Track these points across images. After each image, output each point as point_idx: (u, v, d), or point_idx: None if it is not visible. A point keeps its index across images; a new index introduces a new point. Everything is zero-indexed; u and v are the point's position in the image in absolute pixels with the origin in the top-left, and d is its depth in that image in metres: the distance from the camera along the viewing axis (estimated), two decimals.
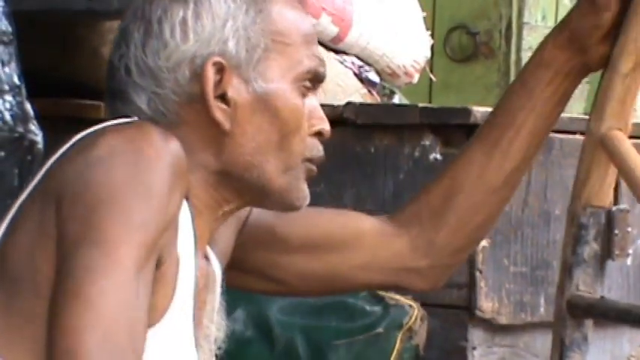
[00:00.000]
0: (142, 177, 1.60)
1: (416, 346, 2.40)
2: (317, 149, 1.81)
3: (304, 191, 1.81)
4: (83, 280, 1.54)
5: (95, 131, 1.69)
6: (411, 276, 2.01)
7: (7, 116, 2.22)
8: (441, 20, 4.21)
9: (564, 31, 1.92)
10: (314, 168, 1.82)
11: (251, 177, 1.77)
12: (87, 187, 1.59)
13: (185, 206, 1.70)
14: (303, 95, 1.79)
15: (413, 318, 2.39)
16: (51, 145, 2.18)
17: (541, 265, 2.66)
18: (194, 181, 1.75)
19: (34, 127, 2.26)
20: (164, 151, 1.63)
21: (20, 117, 2.24)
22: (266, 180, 1.78)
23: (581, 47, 1.92)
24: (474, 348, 2.59)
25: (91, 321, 1.54)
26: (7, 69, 2.23)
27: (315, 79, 1.81)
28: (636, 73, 1.96)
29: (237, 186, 1.80)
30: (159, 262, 1.62)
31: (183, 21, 1.74)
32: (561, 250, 2.15)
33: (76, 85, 2.64)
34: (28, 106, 2.26)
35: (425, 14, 3.38)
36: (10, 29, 2.23)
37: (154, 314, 1.66)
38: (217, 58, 1.73)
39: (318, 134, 1.81)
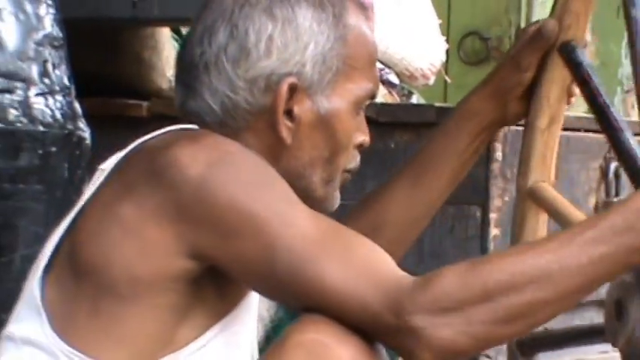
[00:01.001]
0: (252, 168, 1.60)
1: None
2: (356, 161, 1.78)
3: (337, 198, 1.78)
4: (304, 250, 1.55)
5: (165, 144, 1.64)
6: None
7: (58, 115, 2.21)
8: (456, 27, 4.19)
9: (489, 86, 1.92)
10: (349, 177, 1.80)
11: (299, 185, 1.72)
12: (222, 209, 1.58)
13: None
14: (358, 113, 1.76)
15: None
16: (98, 141, 2.24)
17: None
18: None
19: (82, 124, 2.25)
20: (237, 146, 1.62)
21: (70, 115, 2.23)
22: (311, 190, 1.74)
23: (502, 102, 1.91)
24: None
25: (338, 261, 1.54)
26: (57, 71, 2.22)
27: (371, 98, 1.79)
28: (552, 128, 1.92)
29: None
30: None
31: (270, 37, 1.70)
32: None
33: (120, 86, 2.65)
34: (76, 106, 2.25)
35: (440, 21, 3.37)
36: (60, 35, 2.23)
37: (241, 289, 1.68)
38: (293, 79, 1.69)
39: (359, 146, 1.78)
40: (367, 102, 1.80)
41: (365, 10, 1.80)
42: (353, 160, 1.78)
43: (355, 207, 1.98)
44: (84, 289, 1.62)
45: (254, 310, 1.79)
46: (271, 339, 1.89)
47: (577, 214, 1.83)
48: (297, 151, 1.73)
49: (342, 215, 2.14)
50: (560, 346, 2.17)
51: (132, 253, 1.60)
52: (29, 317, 1.65)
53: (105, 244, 1.61)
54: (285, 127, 1.70)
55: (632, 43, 1.69)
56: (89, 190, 1.70)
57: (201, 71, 1.74)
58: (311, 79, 1.71)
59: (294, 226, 1.58)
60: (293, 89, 1.69)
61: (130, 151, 1.68)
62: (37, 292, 1.65)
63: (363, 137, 1.78)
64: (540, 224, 1.99)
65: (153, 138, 1.69)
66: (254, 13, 1.71)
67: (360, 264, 1.56)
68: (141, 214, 1.60)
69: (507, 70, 1.90)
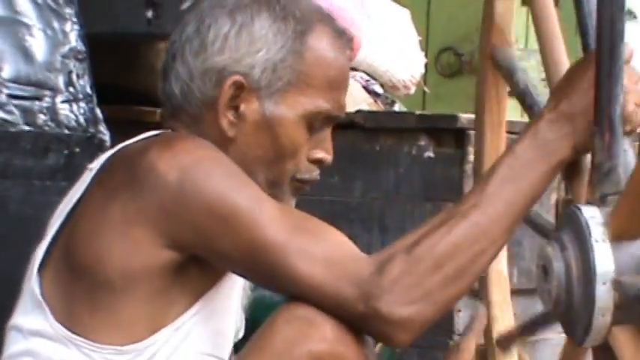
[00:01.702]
0: (222, 171, 1.57)
1: None
2: (311, 173, 1.72)
3: (289, 202, 1.73)
4: (272, 240, 1.53)
5: (144, 149, 1.62)
6: None
7: (82, 120, 2.21)
8: (433, 43, 4.20)
9: None
10: (304, 187, 1.74)
11: None
12: (199, 213, 1.55)
13: None
14: (312, 128, 1.70)
15: None
16: (116, 143, 2.20)
17: (514, 244, 2.59)
18: None
19: (102, 128, 2.25)
20: (205, 150, 1.60)
21: (92, 120, 2.23)
22: None
23: None
24: (459, 310, 2.58)
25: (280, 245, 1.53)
26: (81, 81, 2.22)
27: (327, 120, 1.72)
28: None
29: None
30: None
31: (225, 36, 1.67)
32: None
33: (136, 94, 2.64)
34: (97, 112, 2.25)
35: (420, 38, 3.36)
36: (84, 49, 2.23)
37: (215, 273, 1.65)
38: (239, 78, 1.65)
39: (318, 161, 1.72)
40: (327, 121, 1.72)
41: (340, 38, 1.72)
42: (306, 172, 1.72)
43: None
44: (80, 284, 1.60)
45: (238, 282, 1.75)
46: (252, 306, 1.88)
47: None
48: (243, 147, 1.68)
49: (333, 212, 2.15)
50: (533, 333, 2.16)
51: (122, 252, 1.58)
52: (33, 311, 1.64)
53: (97, 244, 1.59)
54: (226, 119, 1.66)
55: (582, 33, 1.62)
56: (78, 190, 1.68)
57: (170, 59, 1.72)
58: (258, 82, 1.66)
59: (266, 224, 1.55)
60: (239, 87, 1.65)
61: (113, 154, 1.67)
62: (37, 288, 1.63)
63: (323, 154, 1.71)
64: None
65: (130, 144, 1.66)
66: (219, 13, 1.68)
67: (327, 255, 1.54)
68: (126, 217, 1.58)
69: None
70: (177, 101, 1.69)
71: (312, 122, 1.69)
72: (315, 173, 1.72)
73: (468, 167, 2.65)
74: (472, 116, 2.74)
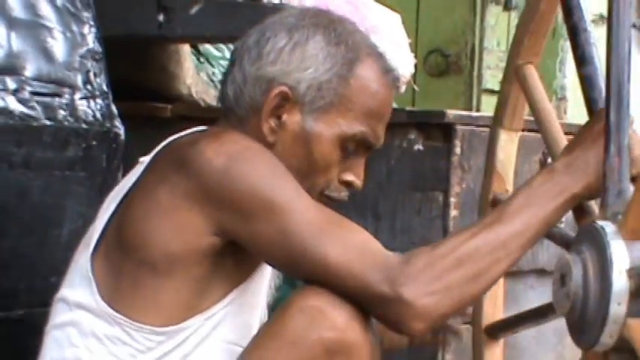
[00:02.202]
0: (266, 161, 1.59)
1: None
2: (339, 193, 1.72)
3: None
4: (300, 230, 1.55)
5: (192, 140, 1.63)
6: None
7: (98, 115, 2.21)
8: (422, 45, 4.20)
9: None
10: (329, 203, 1.71)
11: None
12: (242, 197, 1.56)
13: None
14: (346, 151, 1.69)
15: None
16: (130, 137, 2.24)
17: None
18: None
19: (117, 123, 2.24)
20: (251, 142, 1.61)
21: (107, 115, 2.23)
22: None
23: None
24: None
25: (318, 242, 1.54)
26: (98, 79, 2.22)
27: (362, 145, 1.71)
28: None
29: None
30: None
31: (280, 50, 1.68)
32: None
33: (148, 91, 2.65)
34: (113, 108, 2.25)
35: (410, 41, 3.33)
36: (100, 49, 2.23)
37: (252, 262, 1.67)
38: (286, 89, 1.66)
39: (347, 183, 1.72)
40: (362, 147, 1.71)
41: (387, 74, 1.72)
42: (335, 191, 1.71)
43: None
44: (127, 264, 1.61)
45: (266, 280, 1.76)
46: (274, 306, 1.83)
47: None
48: (280, 154, 1.66)
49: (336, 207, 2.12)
50: (525, 325, 2.11)
51: (167, 234, 1.58)
52: (81, 285, 1.65)
53: (145, 226, 1.60)
54: (268, 125, 1.67)
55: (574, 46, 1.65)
56: (130, 180, 1.69)
57: (230, 65, 1.73)
58: (303, 97, 1.67)
59: (303, 213, 1.56)
60: (285, 98, 1.66)
61: (164, 147, 1.68)
62: (88, 265, 1.64)
63: (353, 178, 1.71)
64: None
65: (181, 137, 1.68)
66: (279, 29, 1.70)
67: (358, 245, 1.55)
68: (173, 200, 1.58)
69: None
70: (229, 103, 1.70)
71: (347, 145, 1.69)
72: (343, 194, 1.72)
73: (455, 159, 2.66)
74: (458, 112, 2.78)
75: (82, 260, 1.67)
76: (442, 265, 1.51)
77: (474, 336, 1.93)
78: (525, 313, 2.06)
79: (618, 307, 1.42)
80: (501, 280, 1.84)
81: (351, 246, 1.54)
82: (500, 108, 1.85)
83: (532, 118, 1.91)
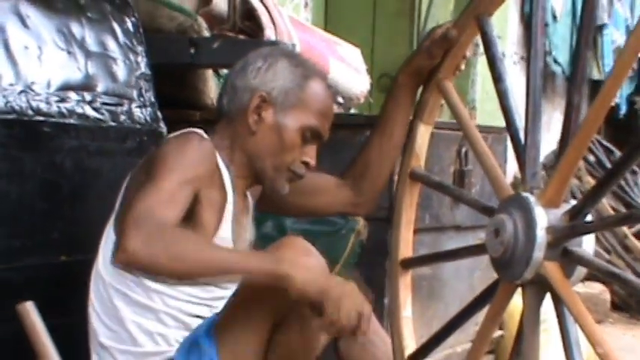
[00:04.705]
0: (181, 151, 1.59)
1: (361, 240, 2.38)
2: (300, 170, 1.73)
3: (284, 186, 1.73)
4: (144, 195, 1.50)
5: (172, 136, 1.67)
6: (354, 206, 1.92)
7: (148, 118, 2.21)
8: (376, 70, 4.16)
9: (410, 66, 1.80)
10: (295, 178, 1.73)
11: (257, 164, 1.72)
12: (157, 155, 1.60)
13: (226, 172, 1.68)
14: (304, 138, 1.71)
15: (361, 225, 2.36)
16: (170, 134, 2.20)
17: (425, 198, 2.55)
18: (236, 157, 1.72)
19: (161, 124, 2.25)
20: (197, 144, 1.61)
21: (154, 119, 2.24)
22: (264, 170, 1.72)
23: (419, 76, 1.79)
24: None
25: (141, 207, 1.48)
26: (148, 94, 2.23)
27: (315, 135, 1.73)
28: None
29: (252, 167, 1.73)
30: (198, 194, 1.58)
31: (259, 68, 1.74)
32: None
33: (183, 102, 2.62)
34: (158, 113, 2.25)
35: (367, 67, 3.37)
36: (149, 73, 2.23)
37: (210, 225, 1.63)
38: (264, 94, 1.71)
39: (306, 163, 1.73)
40: (315, 135, 1.71)
41: (329, 89, 1.75)
42: (298, 168, 1.72)
43: (351, 160, 1.89)
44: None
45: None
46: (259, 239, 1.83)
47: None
48: (259, 139, 1.70)
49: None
50: (448, 259, 2.12)
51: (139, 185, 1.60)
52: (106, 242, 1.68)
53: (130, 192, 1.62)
54: (252, 119, 1.69)
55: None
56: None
57: (224, 83, 1.78)
58: (275, 99, 1.70)
59: (159, 188, 1.51)
60: (263, 100, 1.69)
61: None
62: (112, 228, 1.67)
63: (309, 159, 1.72)
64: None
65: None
66: (257, 56, 1.75)
67: (149, 211, 1.47)
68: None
69: (422, 57, 1.76)
70: (223, 109, 1.75)
71: (305, 133, 1.72)
72: (302, 170, 1.74)
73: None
74: None
75: (108, 231, 1.69)
76: (163, 236, 1.44)
77: (391, 267, 1.83)
78: (437, 252, 2.09)
79: (539, 253, 1.40)
80: (411, 228, 1.82)
81: (147, 209, 1.48)
82: (420, 108, 1.82)
83: (449, 121, 1.93)
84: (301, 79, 1.72)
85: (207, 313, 1.67)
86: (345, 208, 1.93)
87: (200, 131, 1.68)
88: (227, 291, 1.69)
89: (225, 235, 1.68)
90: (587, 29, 1.37)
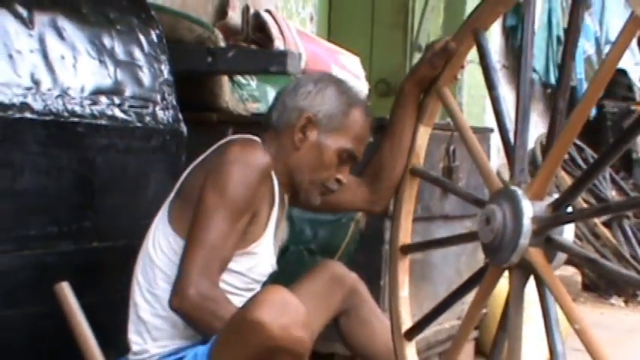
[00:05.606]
0: (246, 168, 1.57)
1: (360, 229, 2.36)
2: (333, 186, 1.74)
3: (316, 198, 1.74)
4: (198, 227, 1.53)
5: (228, 142, 1.67)
6: (371, 204, 1.91)
7: (170, 120, 2.20)
8: (373, 77, 4.16)
9: (415, 76, 1.81)
10: (326, 192, 1.74)
11: (296, 177, 1.72)
12: (223, 165, 1.57)
13: (276, 180, 1.68)
14: (340, 159, 1.72)
15: (359, 215, 2.34)
16: (189, 134, 2.20)
17: (424, 189, 2.52)
18: (279, 167, 1.71)
19: (182, 125, 2.23)
20: (261, 159, 1.59)
21: (176, 120, 2.22)
22: (300, 182, 1.72)
23: (422, 85, 1.81)
24: (387, 229, 2.53)
25: (197, 247, 1.53)
26: (170, 97, 2.21)
27: (350, 157, 1.74)
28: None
29: (290, 178, 1.73)
30: (254, 214, 1.60)
31: (308, 91, 1.74)
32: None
33: (201, 105, 2.61)
34: (179, 115, 2.24)
35: (365, 73, 3.35)
36: (171, 79, 2.22)
37: (254, 233, 1.64)
38: (311, 115, 1.71)
39: (338, 181, 1.74)
40: (351, 157, 1.72)
41: (369, 117, 1.74)
42: (332, 184, 1.73)
43: (364, 162, 1.87)
44: (188, 211, 1.62)
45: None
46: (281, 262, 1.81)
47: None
48: (301, 156, 1.71)
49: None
50: (443, 245, 2.15)
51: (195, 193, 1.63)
52: (161, 222, 1.69)
53: (196, 188, 1.63)
54: (298, 136, 1.71)
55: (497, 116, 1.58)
56: (201, 157, 1.73)
57: (276, 99, 1.78)
58: (320, 121, 1.71)
59: (217, 222, 1.53)
60: (309, 121, 1.71)
61: (224, 142, 1.71)
62: (166, 215, 1.68)
63: (342, 177, 1.73)
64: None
65: (233, 138, 1.72)
66: (309, 80, 1.75)
67: (205, 261, 1.51)
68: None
69: (426, 67, 1.78)
70: (272, 122, 1.75)
71: (342, 155, 1.73)
72: (335, 187, 1.74)
73: None
74: None
75: (162, 214, 1.70)
76: (210, 304, 1.50)
77: (391, 253, 1.84)
78: (433, 239, 2.08)
79: (524, 240, 1.41)
80: (410, 218, 1.82)
81: (204, 259, 1.52)
82: (421, 112, 1.82)
83: (438, 122, 1.91)
84: (346, 106, 1.73)
85: (239, 302, 1.62)
86: (363, 205, 1.91)
87: (259, 140, 1.72)
88: (258, 284, 1.71)
89: (268, 238, 1.69)
90: (571, 44, 1.38)
